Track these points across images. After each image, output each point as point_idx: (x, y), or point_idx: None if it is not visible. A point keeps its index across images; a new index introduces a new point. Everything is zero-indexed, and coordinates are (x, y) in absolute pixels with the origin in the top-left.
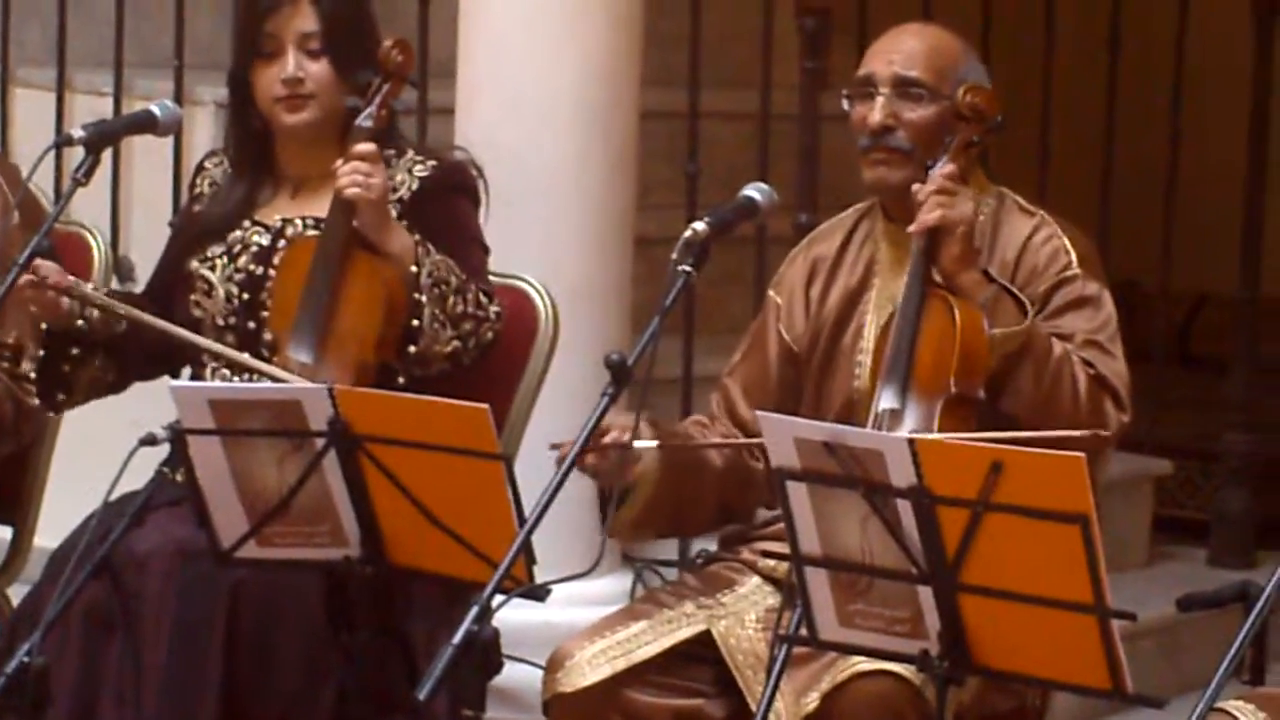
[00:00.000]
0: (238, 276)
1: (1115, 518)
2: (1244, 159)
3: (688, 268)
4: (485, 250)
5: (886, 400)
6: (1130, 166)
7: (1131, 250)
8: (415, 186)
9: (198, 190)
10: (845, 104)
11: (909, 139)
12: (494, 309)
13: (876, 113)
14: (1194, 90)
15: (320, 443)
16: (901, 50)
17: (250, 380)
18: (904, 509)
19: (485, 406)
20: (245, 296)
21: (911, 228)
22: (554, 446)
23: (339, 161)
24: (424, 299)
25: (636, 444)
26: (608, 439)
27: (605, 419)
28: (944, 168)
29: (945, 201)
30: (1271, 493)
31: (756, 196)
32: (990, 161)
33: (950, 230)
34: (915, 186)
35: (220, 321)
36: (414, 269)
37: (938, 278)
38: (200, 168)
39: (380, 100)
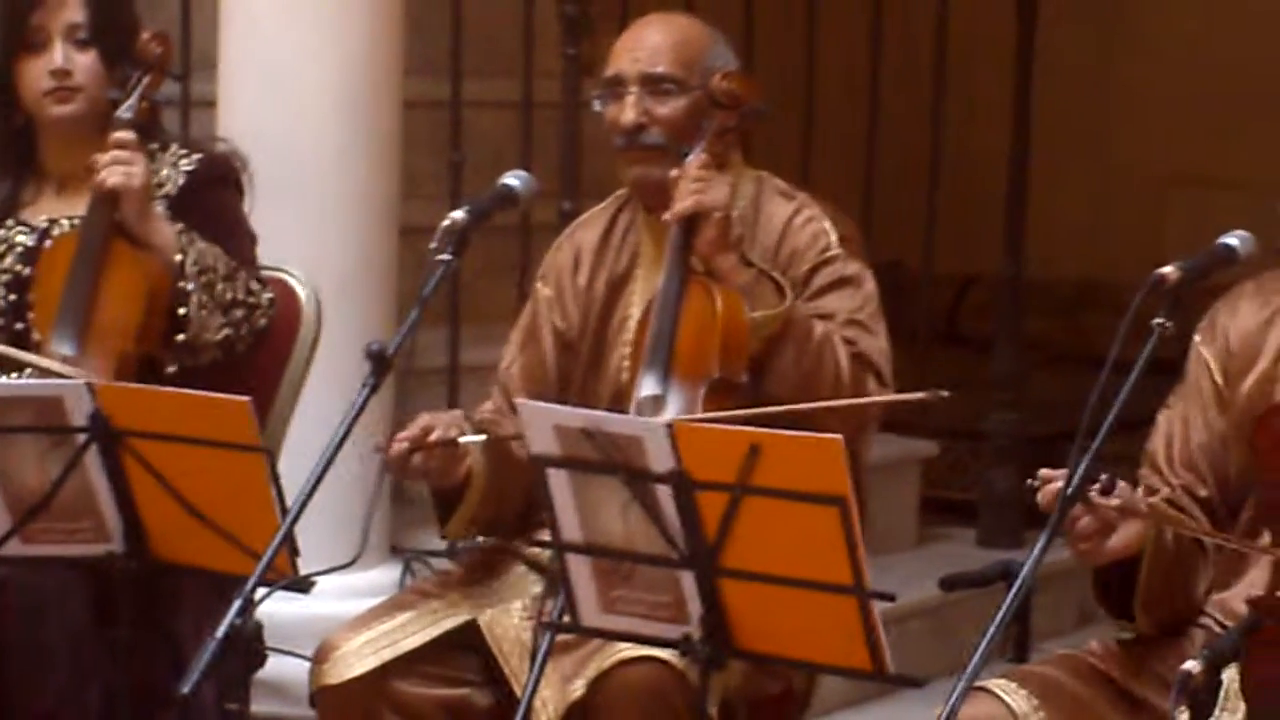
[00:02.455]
0: (3, 278)
1: (883, 499)
2: (1008, 142)
3: (447, 256)
4: (253, 240)
5: (648, 387)
6: (897, 150)
7: (899, 232)
8: (181, 181)
9: None
10: (597, 105)
11: (663, 134)
12: (266, 295)
13: (628, 112)
14: (958, 74)
15: (81, 438)
16: (646, 46)
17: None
18: (664, 494)
19: (246, 399)
20: (12, 298)
21: (666, 216)
22: (379, 449)
23: (97, 155)
24: (190, 287)
25: (462, 439)
26: (433, 437)
27: (429, 417)
28: (698, 156)
29: (700, 188)
30: (1038, 471)
31: (515, 184)
32: (755, 147)
33: (706, 215)
34: (673, 173)
35: None
36: (178, 258)
37: (697, 264)
38: None
39: (141, 92)
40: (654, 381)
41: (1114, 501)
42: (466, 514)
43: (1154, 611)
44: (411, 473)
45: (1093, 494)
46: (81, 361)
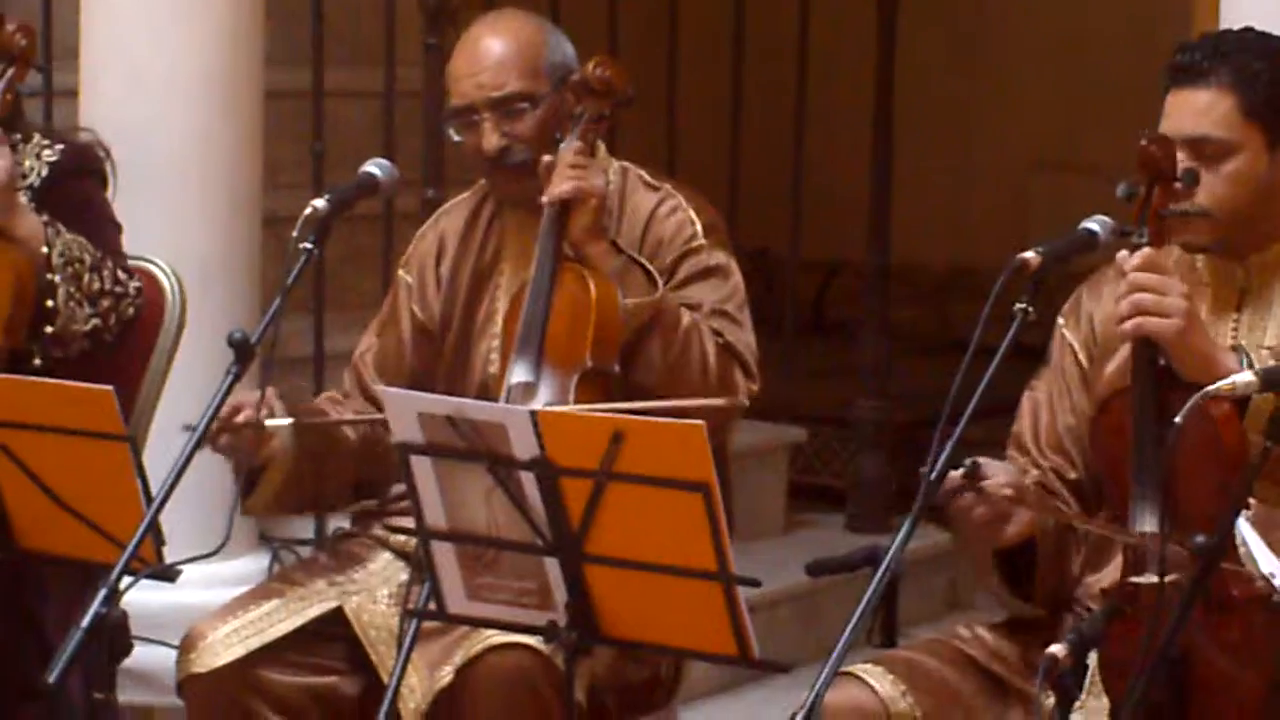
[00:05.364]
0: None
1: (751, 486)
2: (871, 129)
3: (308, 245)
4: (118, 229)
5: (520, 374)
6: (762, 138)
7: (765, 220)
8: (45, 172)
9: None
10: (453, 135)
11: (527, 149)
12: (133, 284)
13: (489, 139)
14: (821, 60)
15: None
16: (487, 66)
17: None
18: (528, 481)
19: (109, 388)
20: None
21: (544, 198)
22: (188, 428)
23: None
24: (57, 279)
25: (269, 422)
26: (240, 418)
27: (238, 398)
28: (574, 144)
29: (578, 174)
30: (905, 457)
31: (377, 173)
32: (620, 136)
33: (583, 201)
34: (545, 160)
35: None
36: (44, 250)
37: (568, 250)
38: None
39: (5, 85)
40: (526, 368)
41: (1007, 491)
42: (265, 494)
43: (1043, 593)
44: (218, 450)
45: (986, 484)
46: None
